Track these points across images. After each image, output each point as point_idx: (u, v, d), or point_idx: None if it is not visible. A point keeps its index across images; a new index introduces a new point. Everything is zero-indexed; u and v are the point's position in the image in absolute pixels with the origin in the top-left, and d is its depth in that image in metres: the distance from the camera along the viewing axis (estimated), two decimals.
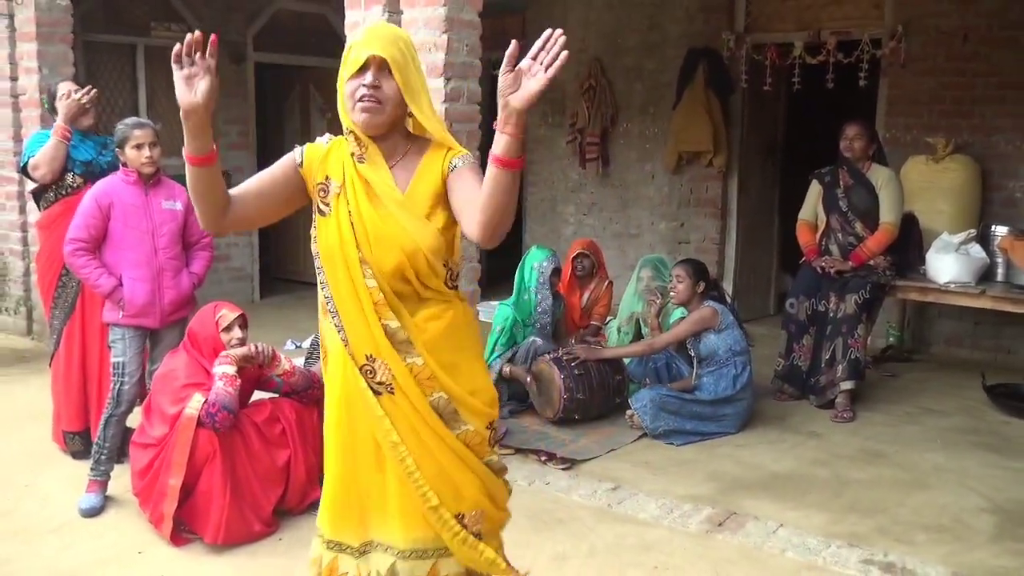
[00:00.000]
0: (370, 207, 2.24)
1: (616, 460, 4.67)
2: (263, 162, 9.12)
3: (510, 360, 5.35)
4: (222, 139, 8.43)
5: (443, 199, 2.28)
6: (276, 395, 4.05)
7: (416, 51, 2.30)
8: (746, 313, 7.60)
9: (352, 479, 2.36)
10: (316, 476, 3.99)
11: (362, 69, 2.19)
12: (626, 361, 5.40)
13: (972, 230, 5.97)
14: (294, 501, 3.91)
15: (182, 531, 3.69)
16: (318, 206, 2.31)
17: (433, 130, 2.31)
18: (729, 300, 5.76)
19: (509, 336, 5.44)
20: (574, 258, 5.89)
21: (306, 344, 6.52)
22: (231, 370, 3.74)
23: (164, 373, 3.91)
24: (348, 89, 2.22)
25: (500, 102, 1.99)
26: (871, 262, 5.55)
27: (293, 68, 9.12)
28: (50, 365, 4.67)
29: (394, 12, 4.49)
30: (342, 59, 2.25)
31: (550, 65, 1.96)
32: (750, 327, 7.01)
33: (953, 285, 5.68)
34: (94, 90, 4.59)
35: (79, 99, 4.49)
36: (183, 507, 3.66)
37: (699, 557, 3.60)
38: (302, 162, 2.33)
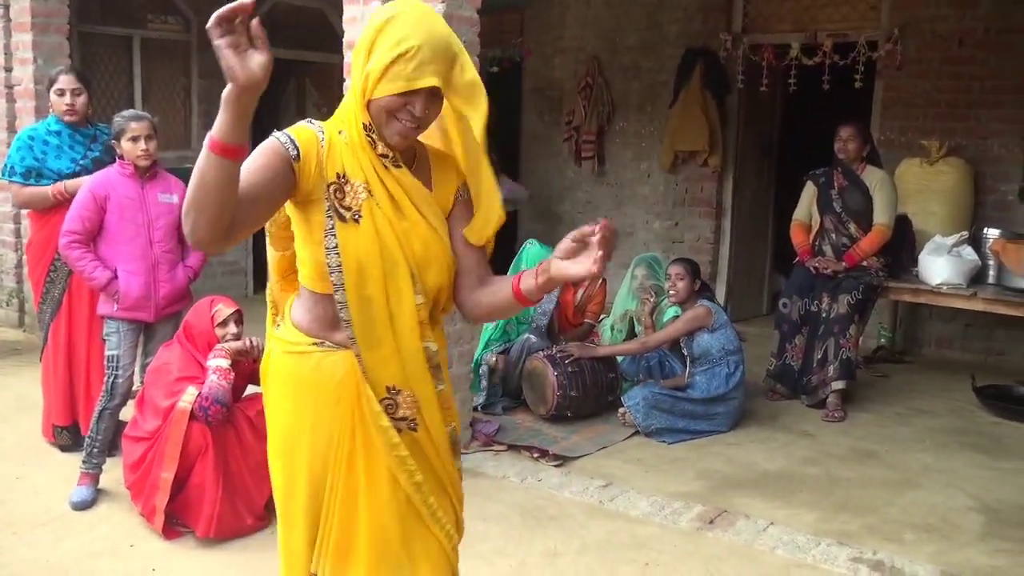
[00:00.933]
0: (403, 216, 1.99)
1: (608, 457, 4.69)
2: None
3: (503, 353, 5.36)
4: None
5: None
6: None
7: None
8: (739, 312, 7.64)
9: (328, 516, 2.08)
10: None
11: (413, 91, 1.91)
12: (619, 359, 5.42)
13: (964, 232, 5.99)
14: None
15: (174, 524, 3.70)
16: (335, 208, 1.94)
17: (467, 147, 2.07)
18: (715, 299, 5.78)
19: (503, 332, 5.45)
20: None
21: None
22: (225, 364, 3.74)
23: (157, 366, 3.91)
24: (387, 102, 1.93)
25: (557, 253, 1.87)
26: (864, 263, 5.58)
27: (289, 62, 9.09)
28: (40, 359, 4.67)
29: None
30: (384, 49, 1.91)
31: (602, 259, 1.79)
32: (743, 326, 7.05)
33: (945, 287, 5.71)
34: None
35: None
36: (175, 500, 3.66)
37: (690, 554, 3.61)
38: (298, 155, 1.93)
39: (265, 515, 3.80)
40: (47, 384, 4.58)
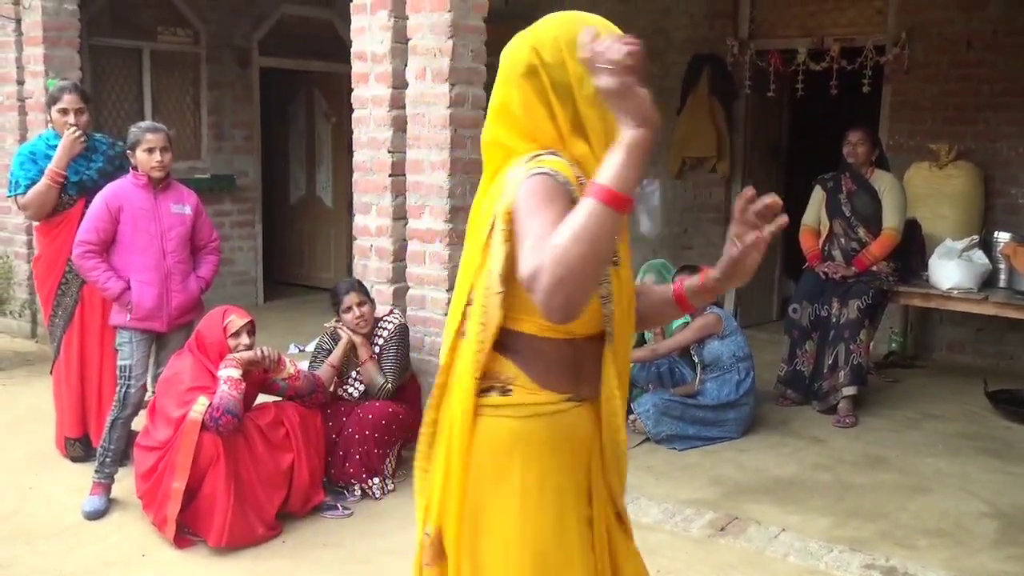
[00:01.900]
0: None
1: None
2: (267, 166, 9.17)
3: None
4: (228, 143, 8.47)
5: None
6: (280, 399, 4.06)
7: None
8: (749, 318, 7.62)
9: None
10: (319, 480, 4.02)
11: None
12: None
13: (975, 236, 5.96)
14: (297, 504, 3.91)
15: (186, 534, 3.70)
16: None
17: None
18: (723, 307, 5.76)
19: None
20: None
21: (310, 348, 6.53)
22: (236, 374, 3.75)
23: (169, 376, 3.92)
24: (594, 122, 1.75)
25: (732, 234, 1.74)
26: (874, 268, 5.56)
27: (298, 73, 9.15)
28: (51, 372, 4.68)
29: (400, 17, 4.51)
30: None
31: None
32: (753, 332, 7.02)
33: (956, 291, 5.68)
34: (79, 131, 4.44)
35: (76, 137, 4.39)
36: (187, 510, 3.67)
37: (701, 562, 3.60)
38: (575, 196, 1.65)
39: (276, 524, 3.81)
40: (59, 396, 4.60)
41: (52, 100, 4.51)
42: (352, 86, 4.75)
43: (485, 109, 4.74)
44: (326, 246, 9.52)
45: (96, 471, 4.06)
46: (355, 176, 4.79)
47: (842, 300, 5.49)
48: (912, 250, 5.93)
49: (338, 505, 4.06)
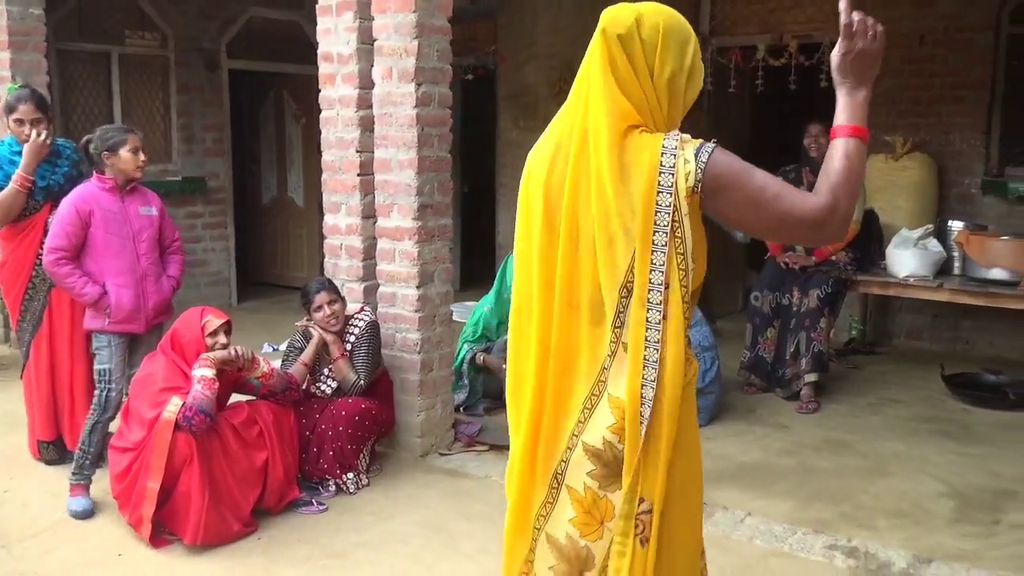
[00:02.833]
0: None
1: None
2: (238, 168, 9.11)
3: (485, 350, 5.36)
4: (198, 145, 8.40)
5: None
6: (254, 397, 4.04)
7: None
8: (716, 309, 7.66)
9: None
10: (293, 476, 4.01)
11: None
12: None
13: (930, 225, 6.05)
14: (272, 501, 3.90)
15: (162, 533, 3.68)
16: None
17: None
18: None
19: (482, 333, 5.45)
20: None
21: (282, 347, 6.50)
22: (209, 373, 3.72)
23: (142, 377, 3.89)
24: (667, 98, 1.88)
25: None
26: (833, 257, 5.62)
27: (267, 75, 9.09)
28: (21, 377, 4.61)
29: (365, 18, 4.49)
30: (697, 56, 1.93)
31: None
32: (720, 322, 7.08)
33: (912, 279, 5.76)
34: (44, 135, 4.31)
35: (43, 141, 4.25)
36: (162, 509, 3.64)
37: None
38: None
39: (252, 521, 3.80)
40: (30, 401, 4.54)
41: (9, 109, 4.37)
42: (320, 87, 4.72)
43: (451, 108, 4.76)
44: (299, 246, 9.47)
45: (75, 473, 4.03)
46: (324, 176, 4.77)
47: (803, 289, 5.54)
48: (870, 240, 6.00)
49: (313, 501, 4.05)
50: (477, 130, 9.24)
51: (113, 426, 4.07)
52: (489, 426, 5.04)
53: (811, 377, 5.45)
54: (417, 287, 4.48)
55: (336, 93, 4.65)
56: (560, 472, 1.92)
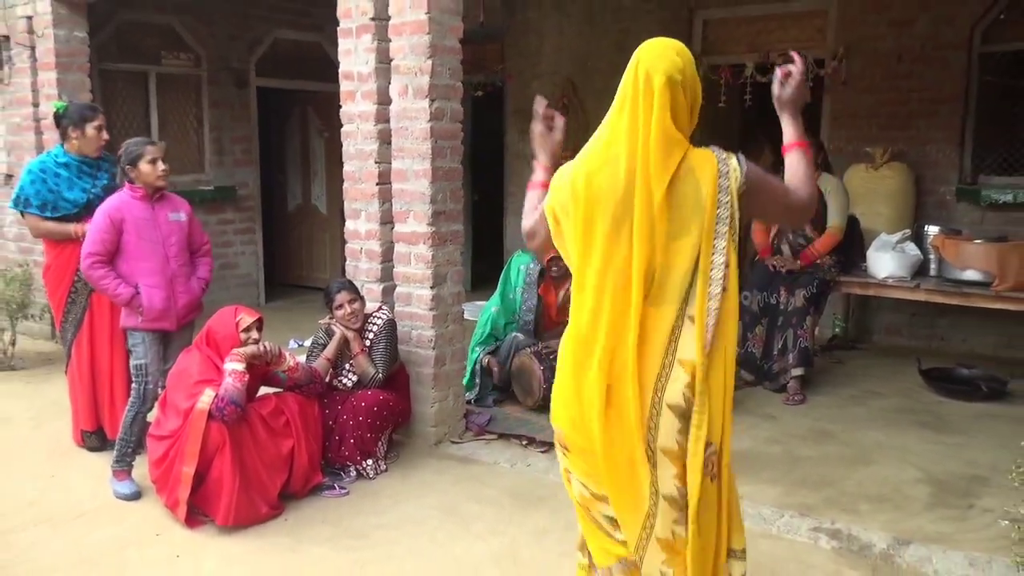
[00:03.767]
0: None
1: None
2: (266, 177, 9.13)
3: (491, 353, 5.37)
4: (228, 157, 8.42)
5: None
6: (280, 390, 4.05)
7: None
8: None
9: None
10: (317, 462, 4.02)
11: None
12: None
13: (907, 230, 6.03)
14: (298, 486, 3.91)
15: (196, 514, 3.69)
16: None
17: None
18: None
19: (491, 332, 5.45)
20: (550, 260, 5.90)
21: (307, 343, 6.52)
22: (240, 367, 3.73)
23: (178, 371, 3.90)
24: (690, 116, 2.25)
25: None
26: (818, 261, 5.61)
27: (293, 92, 9.11)
28: (65, 372, 4.64)
29: (383, 39, 4.49)
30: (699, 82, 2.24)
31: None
32: None
33: (891, 280, 5.74)
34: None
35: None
36: (196, 493, 3.66)
37: None
38: None
39: (279, 504, 3.80)
40: (74, 394, 4.56)
41: (84, 119, 4.42)
42: (341, 103, 4.73)
43: (462, 122, 4.78)
44: (322, 250, 9.48)
45: (117, 460, 4.05)
46: (345, 185, 4.77)
47: (789, 289, 5.53)
48: (852, 243, 5.97)
49: (335, 485, 4.05)
50: (487, 143, 9.24)
51: (151, 416, 4.09)
52: (498, 417, 5.03)
53: (797, 371, 5.43)
54: (431, 288, 4.48)
55: (356, 108, 4.66)
56: (652, 439, 2.11)
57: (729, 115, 7.84)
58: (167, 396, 3.87)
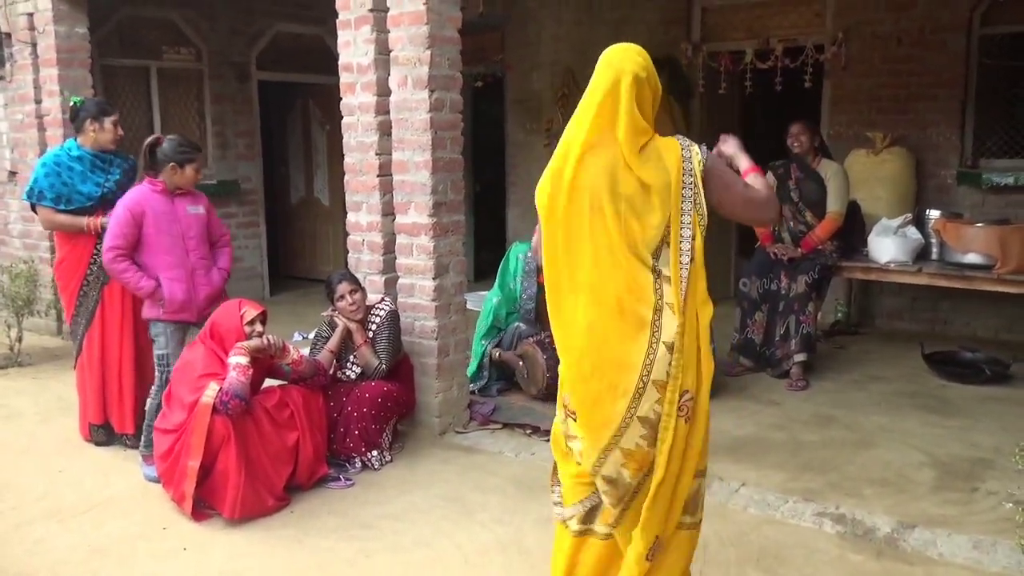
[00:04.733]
0: None
1: None
2: (269, 171, 9.09)
3: (497, 345, 5.34)
4: (231, 151, 8.39)
5: None
6: (285, 382, 4.03)
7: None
8: (710, 296, 7.62)
9: None
10: (322, 454, 4.00)
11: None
12: None
13: (908, 214, 5.97)
14: (303, 478, 3.89)
15: (202, 508, 3.68)
16: None
17: None
18: None
19: (493, 323, 5.43)
20: None
21: (311, 336, 6.50)
22: (244, 360, 3.71)
23: (182, 364, 3.89)
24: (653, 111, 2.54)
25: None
26: (819, 247, 5.57)
27: (294, 85, 9.06)
28: (75, 367, 4.63)
29: (382, 31, 4.46)
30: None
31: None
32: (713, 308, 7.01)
33: (893, 264, 5.70)
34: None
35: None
36: (202, 486, 3.64)
37: None
38: None
39: (284, 496, 3.79)
40: (83, 388, 4.56)
41: (102, 112, 4.44)
42: (341, 95, 4.70)
43: (461, 113, 4.73)
44: (325, 242, 9.45)
45: (145, 446, 4.12)
46: (346, 177, 4.74)
47: (791, 275, 5.49)
48: (853, 229, 5.93)
49: (341, 477, 4.04)
50: (487, 133, 9.19)
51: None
52: (502, 406, 5.01)
53: (800, 357, 5.40)
54: (433, 278, 4.45)
55: (356, 100, 4.62)
56: (646, 374, 2.36)
57: (730, 102, 7.78)
58: (172, 390, 3.85)
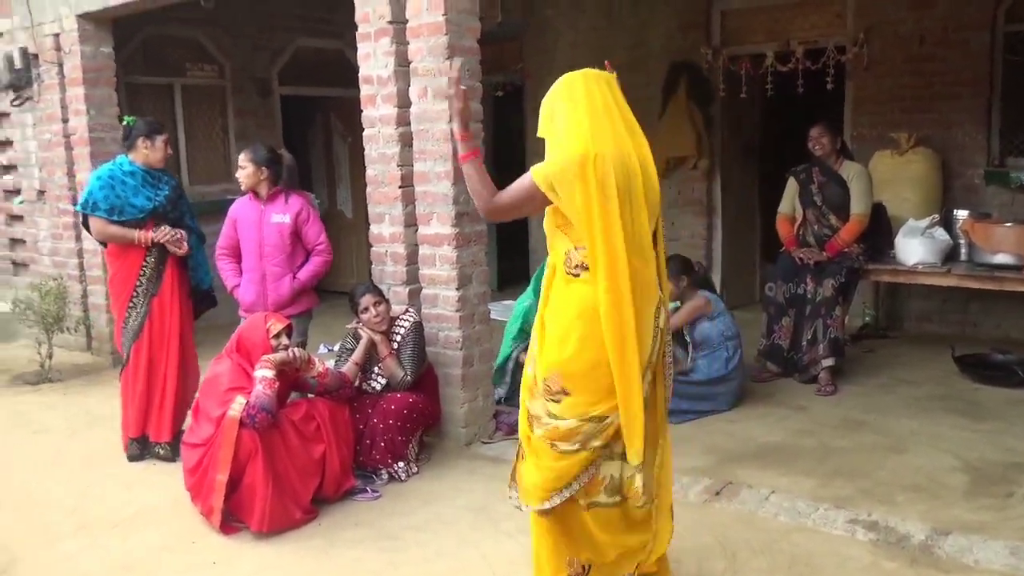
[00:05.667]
0: None
1: None
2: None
3: (525, 349, 5.31)
4: None
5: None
6: (311, 395, 4.04)
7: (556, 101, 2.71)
8: (732, 300, 7.56)
9: None
10: (349, 466, 4.00)
11: None
12: None
13: (936, 215, 5.89)
14: (330, 490, 3.89)
15: (231, 521, 3.69)
16: None
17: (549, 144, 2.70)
18: (716, 290, 5.70)
19: (522, 327, 5.41)
20: None
21: (336, 348, 6.51)
22: (270, 374, 3.72)
23: (209, 379, 3.91)
24: None
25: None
26: (845, 249, 5.50)
27: (315, 99, 9.12)
28: (120, 376, 4.70)
29: (401, 43, 4.47)
30: None
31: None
32: (737, 313, 6.96)
33: (921, 266, 5.62)
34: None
35: (175, 239, 4.53)
36: (230, 499, 3.65)
37: (699, 524, 3.56)
38: None
39: (312, 509, 3.79)
40: (126, 397, 4.62)
41: (153, 130, 4.56)
42: (362, 108, 4.71)
43: (482, 123, 4.72)
44: (348, 255, 9.48)
45: None
46: (368, 189, 4.75)
47: (817, 279, 5.43)
48: (879, 231, 5.86)
49: (367, 488, 4.03)
50: (508, 142, 9.19)
51: (187, 424, 4.09)
52: None
53: (828, 362, 5.33)
54: (457, 289, 4.45)
55: (377, 112, 4.63)
56: (654, 360, 2.61)
57: (751, 106, 7.73)
58: (199, 404, 3.87)
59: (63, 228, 6.93)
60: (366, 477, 4.13)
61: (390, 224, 4.66)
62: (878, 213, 5.82)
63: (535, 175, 2.58)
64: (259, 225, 4.54)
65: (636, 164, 2.57)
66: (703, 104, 7.51)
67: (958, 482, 3.93)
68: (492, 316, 4.85)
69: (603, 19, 8.13)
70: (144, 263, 4.51)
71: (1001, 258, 5.35)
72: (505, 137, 9.18)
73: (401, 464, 4.17)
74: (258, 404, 3.60)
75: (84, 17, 6.38)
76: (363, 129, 4.74)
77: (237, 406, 3.64)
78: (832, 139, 5.56)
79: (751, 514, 3.65)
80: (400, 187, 4.57)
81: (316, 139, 9.53)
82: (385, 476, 4.14)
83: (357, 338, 4.36)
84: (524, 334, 5.38)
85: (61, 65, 6.63)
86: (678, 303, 5.22)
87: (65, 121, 6.70)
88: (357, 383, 4.29)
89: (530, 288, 5.49)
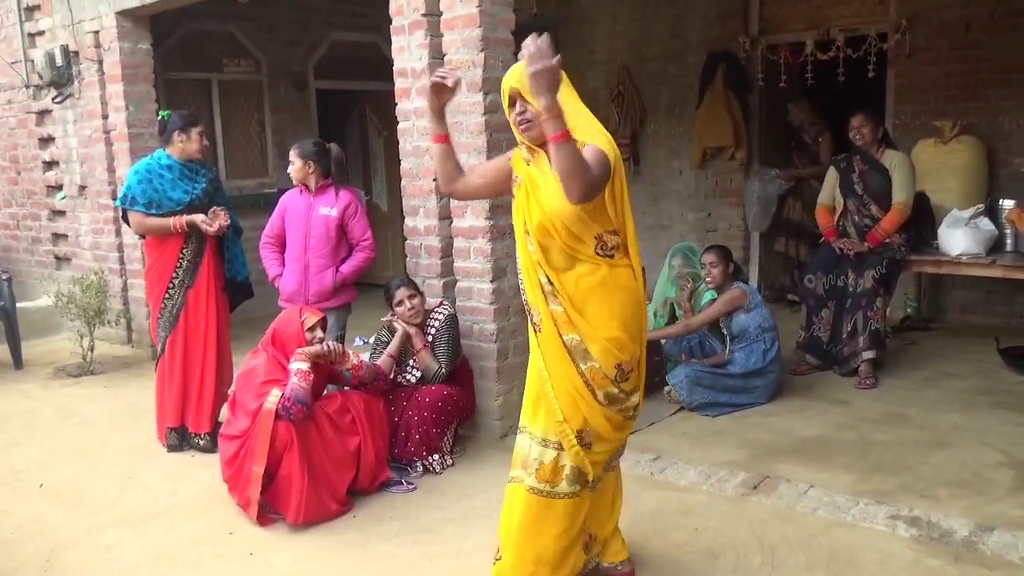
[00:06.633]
0: (533, 194, 2.68)
1: (657, 432, 4.61)
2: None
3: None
4: None
5: None
6: (346, 387, 4.06)
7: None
8: (770, 292, 7.47)
9: (529, 385, 2.89)
10: (384, 459, 4.02)
11: (512, 102, 2.68)
12: (662, 342, 5.32)
13: (980, 205, 5.76)
14: (365, 482, 3.91)
15: (267, 512, 3.72)
16: (513, 192, 2.78)
17: (573, 127, 2.49)
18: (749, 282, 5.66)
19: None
20: None
21: (372, 340, 6.55)
22: (305, 366, 3.75)
23: (245, 372, 3.94)
24: (510, 119, 2.71)
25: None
26: (887, 240, 5.40)
27: (351, 92, 9.17)
28: (156, 367, 4.77)
29: (435, 35, 4.46)
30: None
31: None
32: (774, 305, 6.89)
33: (965, 257, 5.50)
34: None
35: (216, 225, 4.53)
36: (267, 491, 3.69)
37: (736, 518, 3.52)
38: (511, 158, 2.81)
39: (347, 500, 3.81)
40: (161, 389, 4.69)
41: (188, 123, 4.60)
42: (396, 100, 4.72)
43: None
44: (384, 247, 9.50)
45: None
46: (403, 182, 4.77)
47: (857, 271, 5.34)
48: (922, 221, 5.75)
49: (402, 481, 4.05)
50: None
51: (224, 416, 4.14)
52: None
53: (869, 355, 5.25)
54: (491, 281, 4.45)
55: (412, 105, 4.64)
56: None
57: (790, 95, 7.62)
58: (236, 397, 3.91)
59: (104, 223, 7.04)
60: (401, 470, 4.15)
61: (425, 217, 4.67)
62: (920, 202, 5.71)
63: (608, 151, 2.57)
64: (307, 217, 4.60)
65: None
66: (741, 94, 7.42)
67: (1003, 477, 3.85)
68: None
69: (640, 10, 8.06)
70: (181, 255, 4.57)
71: None
72: None
73: (436, 457, 4.19)
74: (293, 396, 3.63)
75: (123, 14, 6.47)
76: (398, 122, 4.75)
77: (273, 398, 3.68)
78: (873, 129, 5.46)
79: (789, 509, 3.60)
80: (434, 180, 4.58)
81: (352, 133, 9.58)
82: (420, 468, 4.16)
83: (392, 331, 4.38)
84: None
85: (101, 62, 6.72)
86: (715, 294, 5.17)
87: (105, 117, 6.81)
88: (392, 376, 4.31)
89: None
